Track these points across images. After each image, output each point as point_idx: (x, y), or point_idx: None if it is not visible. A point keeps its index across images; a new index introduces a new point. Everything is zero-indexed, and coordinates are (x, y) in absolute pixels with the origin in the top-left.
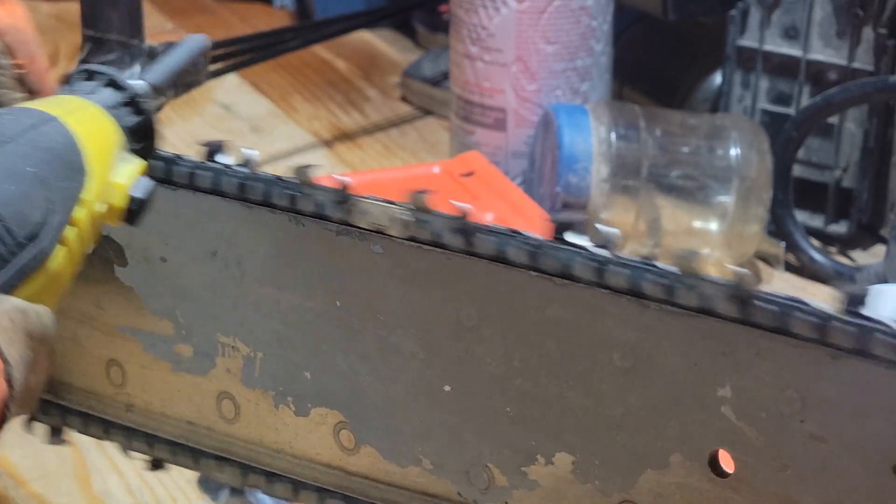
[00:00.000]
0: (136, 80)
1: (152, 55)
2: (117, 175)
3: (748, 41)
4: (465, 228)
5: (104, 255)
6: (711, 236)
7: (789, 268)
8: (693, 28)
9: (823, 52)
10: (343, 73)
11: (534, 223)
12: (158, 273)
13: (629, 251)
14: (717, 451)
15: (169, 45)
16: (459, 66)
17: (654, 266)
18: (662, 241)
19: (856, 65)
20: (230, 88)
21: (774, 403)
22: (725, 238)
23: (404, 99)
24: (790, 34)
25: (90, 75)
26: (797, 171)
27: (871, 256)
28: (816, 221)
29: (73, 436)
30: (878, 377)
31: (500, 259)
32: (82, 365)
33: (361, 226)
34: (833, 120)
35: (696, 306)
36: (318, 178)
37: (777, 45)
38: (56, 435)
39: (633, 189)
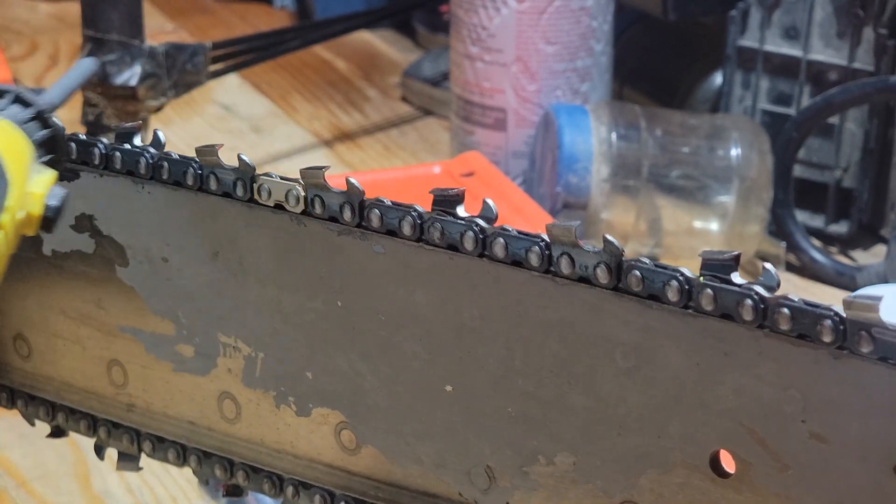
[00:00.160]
0: (39, 97)
1: (152, 55)
2: (33, 185)
3: (748, 41)
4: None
5: (105, 256)
6: (712, 236)
7: (790, 268)
8: (693, 28)
9: (824, 52)
10: (343, 73)
11: (534, 223)
12: (160, 273)
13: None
14: (718, 452)
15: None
16: (459, 66)
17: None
18: (663, 241)
19: (856, 65)
20: (230, 88)
21: (776, 403)
22: (726, 238)
23: (404, 99)
24: (790, 34)
25: None
26: (797, 171)
27: (871, 256)
28: (817, 221)
29: (73, 436)
30: (879, 377)
31: (502, 259)
32: (83, 365)
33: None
34: (833, 120)
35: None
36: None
37: (777, 46)
38: (56, 435)
39: (633, 189)
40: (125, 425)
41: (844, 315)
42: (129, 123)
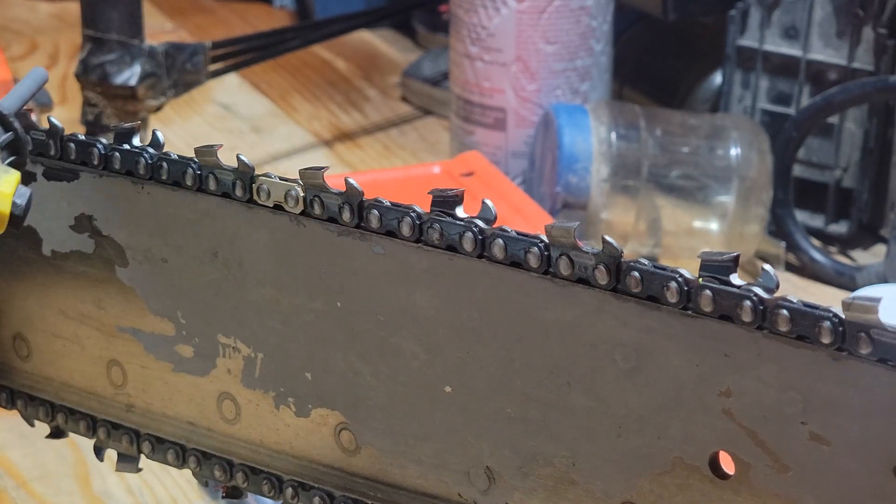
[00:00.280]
0: None
1: (152, 55)
2: (1, 185)
3: (748, 41)
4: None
5: (105, 256)
6: (711, 236)
7: (790, 268)
8: (693, 28)
9: (823, 52)
10: (343, 73)
11: (534, 223)
12: (159, 273)
13: (629, 251)
14: (717, 453)
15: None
16: (459, 66)
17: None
18: (662, 241)
19: (856, 65)
20: (230, 88)
21: (776, 405)
22: (725, 238)
23: (404, 99)
24: (790, 34)
25: None
26: (797, 171)
27: (871, 256)
28: (816, 221)
29: (73, 436)
30: (879, 378)
31: (501, 260)
32: (83, 365)
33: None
34: (833, 120)
35: (696, 307)
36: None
37: (777, 45)
38: (56, 436)
39: (633, 189)
40: (124, 426)
41: (843, 316)
42: (129, 123)
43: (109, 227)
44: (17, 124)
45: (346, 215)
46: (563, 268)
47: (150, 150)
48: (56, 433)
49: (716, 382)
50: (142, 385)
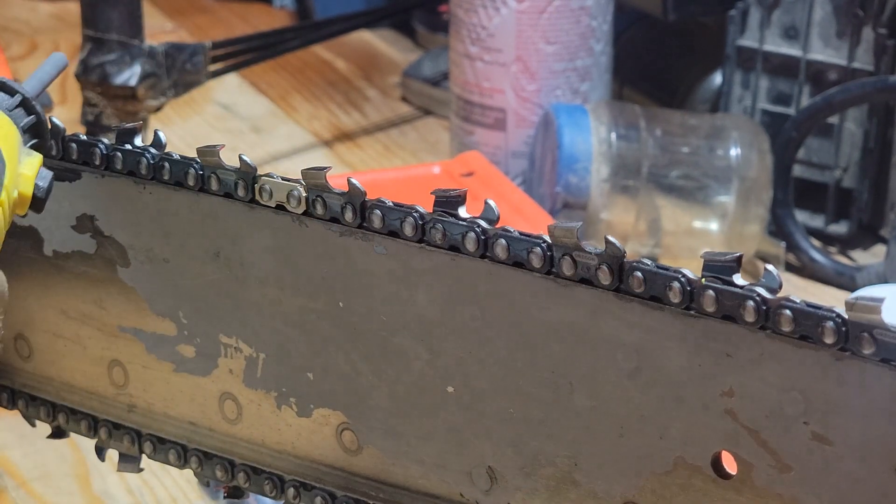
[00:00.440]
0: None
1: (152, 55)
2: (23, 167)
3: (748, 41)
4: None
5: (107, 256)
6: (711, 236)
7: (789, 268)
8: (693, 28)
9: (823, 52)
10: (343, 73)
11: (534, 223)
12: (161, 273)
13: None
14: (720, 453)
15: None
16: (459, 66)
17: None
18: (662, 241)
19: (856, 65)
20: (230, 88)
21: (778, 405)
22: (725, 238)
23: (404, 99)
24: (790, 34)
25: None
26: (797, 171)
27: (871, 256)
28: (816, 221)
29: (74, 436)
30: (881, 378)
31: (504, 260)
32: (84, 366)
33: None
34: (833, 120)
35: (699, 308)
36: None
37: (777, 45)
38: (57, 436)
39: (633, 189)
40: (126, 426)
41: (846, 317)
42: (130, 123)
43: (111, 227)
44: (38, 108)
45: (349, 215)
46: (566, 268)
47: (152, 150)
48: (57, 433)
49: (718, 382)
50: (143, 385)
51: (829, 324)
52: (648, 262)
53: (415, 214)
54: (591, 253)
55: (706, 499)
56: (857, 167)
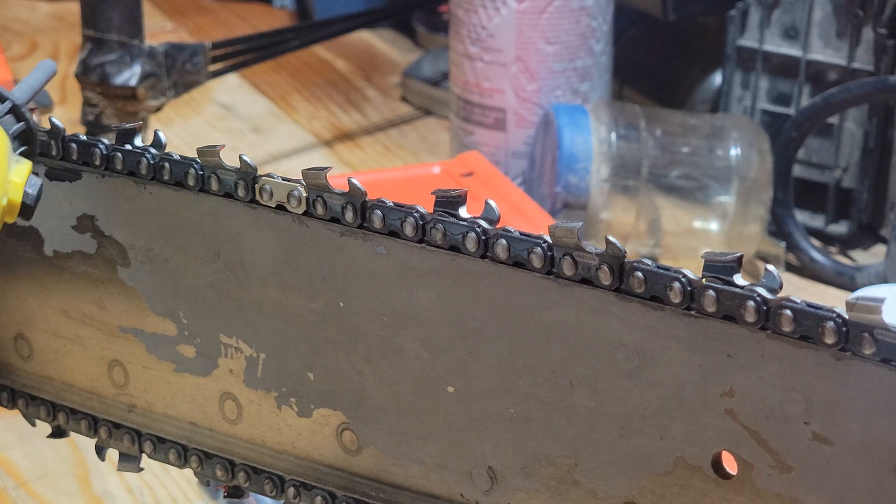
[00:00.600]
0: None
1: (152, 55)
2: (12, 174)
3: (748, 41)
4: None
5: (107, 256)
6: (711, 236)
7: (789, 268)
8: (693, 28)
9: (823, 52)
10: (343, 73)
11: (534, 223)
12: (161, 274)
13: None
14: (720, 453)
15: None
16: (459, 66)
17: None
18: (662, 241)
19: (856, 65)
20: (230, 88)
21: (779, 405)
22: (725, 238)
23: (404, 99)
24: (790, 34)
25: None
26: (797, 171)
27: (871, 256)
28: (816, 221)
29: (74, 436)
30: (881, 379)
31: (504, 260)
32: (84, 366)
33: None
34: (833, 120)
35: (699, 308)
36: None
37: (777, 45)
38: (57, 435)
39: (633, 189)
40: (126, 426)
41: (847, 317)
42: (130, 124)
43: (111, 227)
44: (28, 115)
45: (349, 216)
46: (567, 268)
47: (153, 150)
48: (57, 433)
49: (718, 383)
50: (143, 385)
51: (830, 324)
52: (649, 262)
53: (415, 214)
54: (591, 253)
55: (706, 499)
56: (857, 167)
